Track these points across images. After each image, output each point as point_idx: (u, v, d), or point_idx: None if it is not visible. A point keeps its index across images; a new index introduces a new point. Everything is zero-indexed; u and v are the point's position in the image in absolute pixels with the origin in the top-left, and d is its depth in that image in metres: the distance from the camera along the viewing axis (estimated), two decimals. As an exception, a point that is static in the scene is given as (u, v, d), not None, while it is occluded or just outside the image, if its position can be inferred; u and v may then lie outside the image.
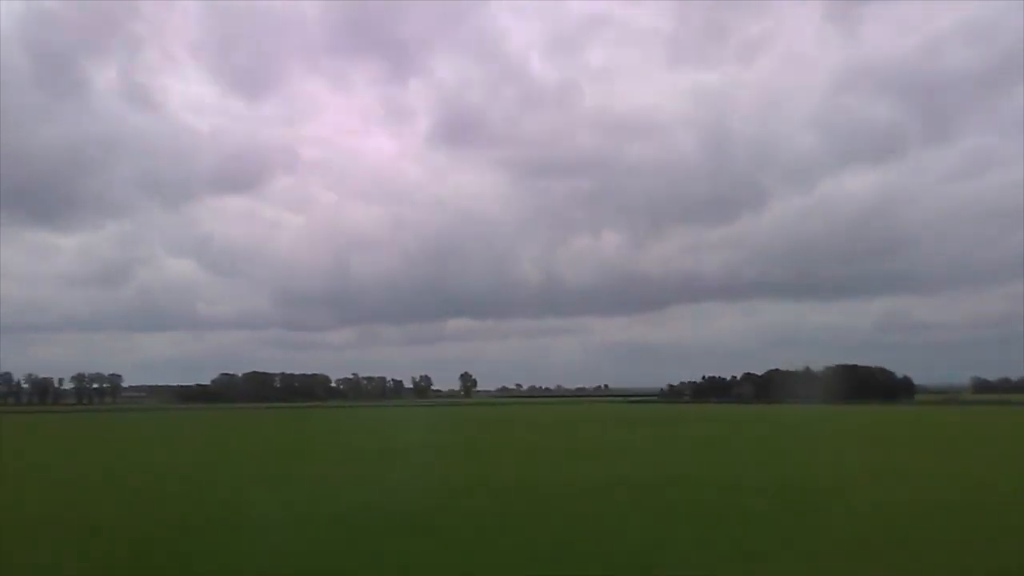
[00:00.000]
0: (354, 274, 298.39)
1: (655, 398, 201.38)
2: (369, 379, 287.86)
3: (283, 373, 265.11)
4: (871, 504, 21.00)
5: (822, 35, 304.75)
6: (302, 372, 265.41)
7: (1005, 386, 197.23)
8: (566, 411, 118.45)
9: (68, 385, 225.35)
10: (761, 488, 24.22)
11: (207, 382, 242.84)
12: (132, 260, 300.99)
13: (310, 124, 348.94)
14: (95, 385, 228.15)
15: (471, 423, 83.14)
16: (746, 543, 15.80)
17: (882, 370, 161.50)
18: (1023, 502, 21.93)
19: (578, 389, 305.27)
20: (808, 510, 20.39)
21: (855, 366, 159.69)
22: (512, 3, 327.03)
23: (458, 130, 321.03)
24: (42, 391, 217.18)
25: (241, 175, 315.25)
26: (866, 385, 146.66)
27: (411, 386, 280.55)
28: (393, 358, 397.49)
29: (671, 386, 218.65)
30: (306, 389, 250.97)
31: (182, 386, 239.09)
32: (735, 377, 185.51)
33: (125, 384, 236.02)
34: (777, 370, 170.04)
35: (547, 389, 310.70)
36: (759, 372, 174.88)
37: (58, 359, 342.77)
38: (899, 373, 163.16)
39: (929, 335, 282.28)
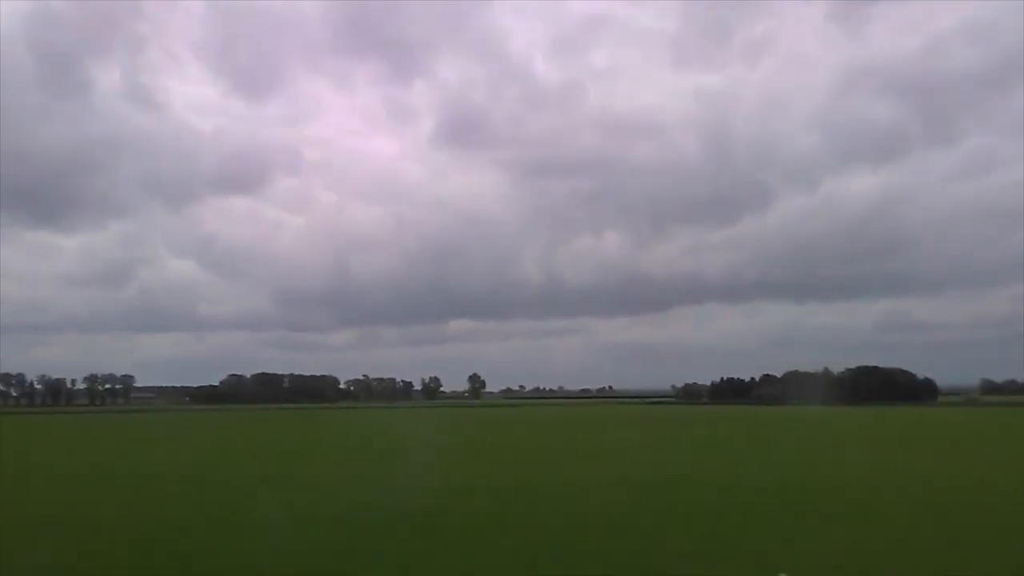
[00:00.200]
0: (356, 275, 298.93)
1: (671, 399, 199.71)
2: (379, 380, 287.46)
3: (292, 374, 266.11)
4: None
5: (825, 35, 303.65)
6: (311, 373, 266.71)
7: (1012, 388, 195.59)
8: (586, 413, 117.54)
9: (81, 386, 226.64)
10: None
11: (209, 383, 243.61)
12: (134, 260, 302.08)
13: (312, 124, 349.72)
14: (107, 386, 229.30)
15: (515, 425, 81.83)
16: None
17: (903, 371, 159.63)
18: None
19: (582, 390, 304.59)
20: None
21: (875, 367, 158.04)
22: (515, 3, 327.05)
23: (461, 131, 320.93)
24: (55, 392, 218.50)
25: (243, 176, 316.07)
26: (887, 386, 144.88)
27: (420, 387, 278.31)
28: (394, 359, 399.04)
29: (687, 387, 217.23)
30: (315, 390, 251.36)
31: (192, 387, 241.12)
32: (753, 378, 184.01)
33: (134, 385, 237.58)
34: (796, 371, 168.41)
35: (551, 390, 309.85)
36: (777, 373, 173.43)
37: (59, 360, 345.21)
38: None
39: (930, 336, 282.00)
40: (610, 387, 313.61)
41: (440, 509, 20.85)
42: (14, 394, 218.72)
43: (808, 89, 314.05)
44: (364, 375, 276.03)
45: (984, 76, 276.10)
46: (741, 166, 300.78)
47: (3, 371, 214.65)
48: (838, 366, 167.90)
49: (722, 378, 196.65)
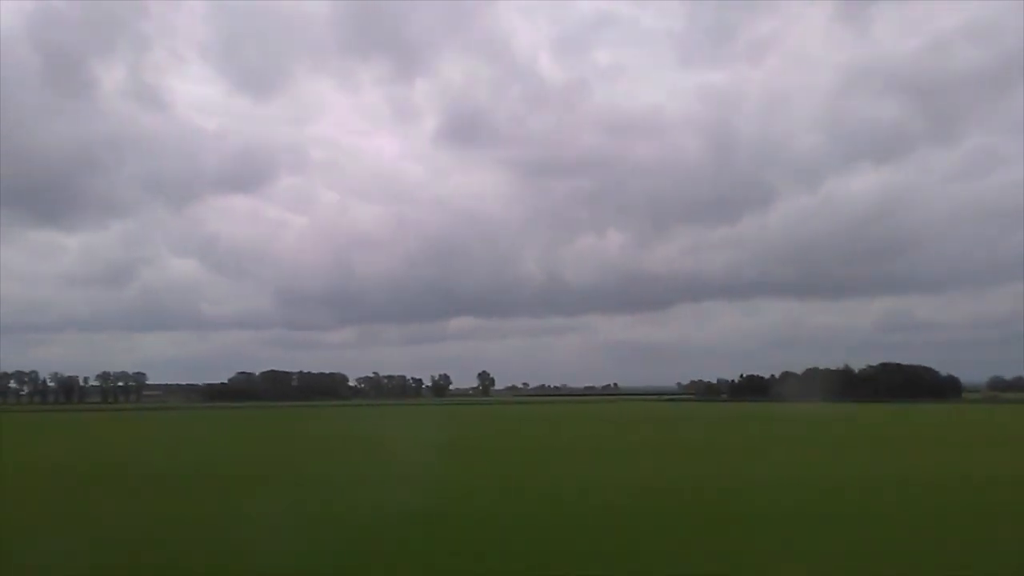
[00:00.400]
0: (358, 274, 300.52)
1: (691, 397, 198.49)
2: (389, 378, 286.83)
3: (301, 372, 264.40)
4: None
5: (830, 35, 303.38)
6: (320, 371, 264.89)
7: (1021, 384, 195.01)
8: (615, 410, 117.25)
9: (93, 383, 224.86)
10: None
11: (210, 381, 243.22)
12: (136, 260, 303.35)
13: (316, 124, 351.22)
14: (119, 384, 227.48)
15: (570, 421, 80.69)
16: None
17: (926, 368, 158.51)
18: None
19: (586, 387, 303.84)
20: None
21: (898, 364, 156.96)
22: (520, 3, 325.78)
23: (464, 130, 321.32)
24: (67, 390, 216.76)
25: (246, 175, 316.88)
26: (911, 384, 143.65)
27: (430, 385, 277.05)
28: (396, 357, 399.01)
29: (706, 384, 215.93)
30: (324, 388, 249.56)
31: (200, 385, 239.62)
32: (773, 375, 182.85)
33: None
34: (816, 368, 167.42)
35: (555, 387, 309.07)
36: (781, 372, 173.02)
37: (59, 359, 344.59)
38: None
39: (930, 334, 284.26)
40: (615, 384, 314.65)
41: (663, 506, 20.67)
42: (26, 391, 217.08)
43: (811, 88, 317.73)
44: (375, 372, 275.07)
45: (986, 76, 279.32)
46: (743, 165, 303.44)
47: (15, 369, 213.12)
48: (840, 365, 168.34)
49: (741, 375, 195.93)
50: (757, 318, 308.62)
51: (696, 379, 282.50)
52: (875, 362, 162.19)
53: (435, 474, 29.86)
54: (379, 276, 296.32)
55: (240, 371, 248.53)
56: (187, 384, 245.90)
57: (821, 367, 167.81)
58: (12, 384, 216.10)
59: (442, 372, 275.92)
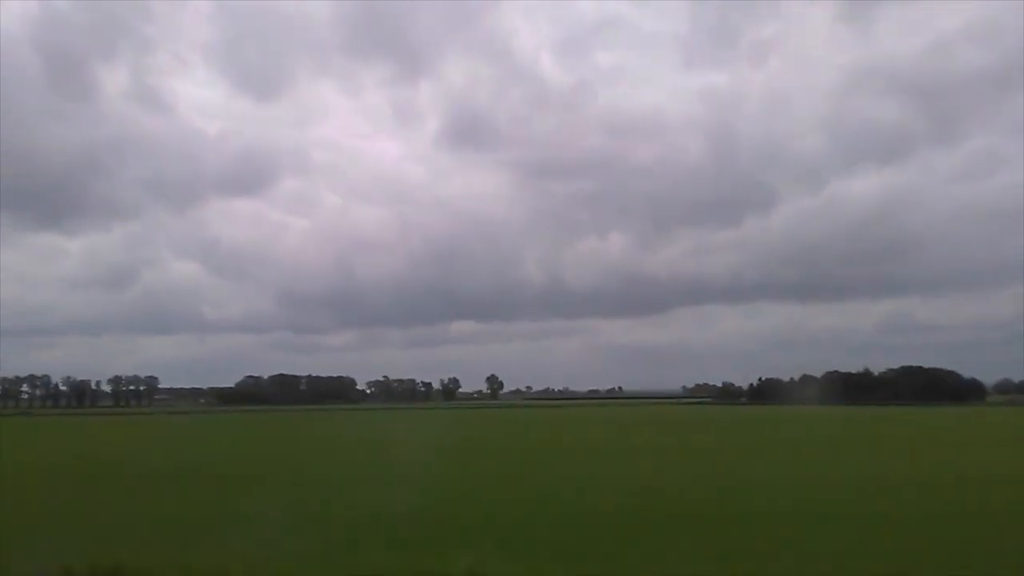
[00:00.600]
0: (359, 276, 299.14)
1: (710, 400, 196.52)
2: (399, 381, 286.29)
3: (309, 375, 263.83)
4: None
5: (833, 36, 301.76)
6: (328, 375, 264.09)
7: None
8: (639, 413, 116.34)
9: (105, 387, 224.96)
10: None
11: (216, 385, 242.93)
12: (138, 263, 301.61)
13: (318, 126, 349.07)
14: (131, 387, 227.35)
15: (612, 424, 79.90)
16: None
17: (949, 371, 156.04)
18: None
19: (590, 391, 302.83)
20: None
21: (920, 367, 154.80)
22: (523, 4, 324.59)
23: (466, 132, 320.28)
24: (80, 394, 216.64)
25: (248, 177, 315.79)
26: (934, 387, 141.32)
27: (439, 388, 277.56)
28: (399, 360, 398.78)
29: (727, 388, 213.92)
30: (333, 391, 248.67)
31: (207, 388, 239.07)
32: (793, 379, 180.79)
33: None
34: (836, 371, 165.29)
35: (558, 391, 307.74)
36: (787, 375, 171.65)
37: (60, 362, 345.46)
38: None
39: (931, 336, 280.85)
40: (619, 388, 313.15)
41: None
42: (38, 395, 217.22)
43: (813, 90, 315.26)
44: (384, 376, 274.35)
45: (988, 77, 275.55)
46: (745, 167, 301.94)
47: (14, 373, 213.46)
48: (859, 368, 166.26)
49: (760, 379, 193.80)
50: (759, 320, 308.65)
51: (701, 382, 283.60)
52: (879, 365, 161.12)
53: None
54: (381, 278, 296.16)
55: (246, 375, 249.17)
56: (192, 388, 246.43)
57: (841, 370, 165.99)
58: (24, 388, 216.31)
59: (451, 375, 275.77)
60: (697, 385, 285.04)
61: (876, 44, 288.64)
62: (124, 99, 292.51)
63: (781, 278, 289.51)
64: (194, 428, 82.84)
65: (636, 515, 19.65)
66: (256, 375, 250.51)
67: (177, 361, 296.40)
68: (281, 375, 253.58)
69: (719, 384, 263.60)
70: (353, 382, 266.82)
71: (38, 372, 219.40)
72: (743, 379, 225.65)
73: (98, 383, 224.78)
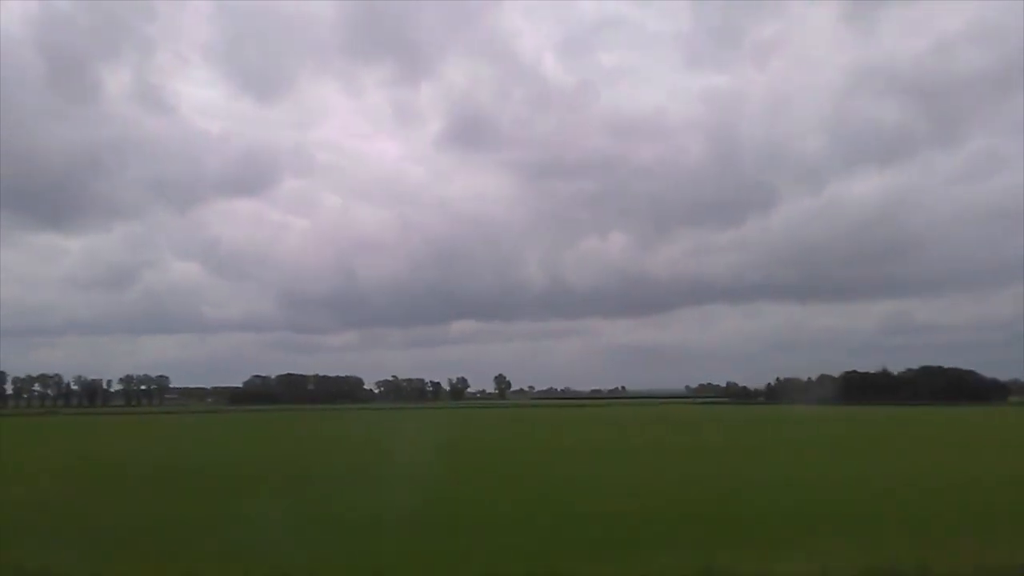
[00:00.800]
0: (360, 276, 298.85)
1: (726, 400, 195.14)
2: (408, 381, 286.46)
3: (317, 375, 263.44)
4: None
5: (835, 36, 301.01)
6: (336, 374, 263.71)
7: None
8: (660, 413, 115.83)
9: (116, 387, 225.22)
10: None
11: (219, 384, 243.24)
12: (139, 263, 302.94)
13: (320, 127, 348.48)
14: (142, 387, 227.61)
15: (652, 424, 78.56)
16: None
17: (971, 372, 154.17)
18: None
19: (592, 391, 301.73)
20: None
21: (940, 367, 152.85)
22: (525, 4, 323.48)
23: (467, 132, 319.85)
24: (91, 393, 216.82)
25: (249, 178, 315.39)
26: (954, 387, 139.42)
27: (448, 388, 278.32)
28: (399, 361, 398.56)
29: (731, 387, 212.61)
30: (340, 391, 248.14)
31: (210, 388, 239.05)
32: (810, 378, 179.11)
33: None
34: (854, 371, 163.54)
35: (562, 391, 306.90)
36: (820, 374, 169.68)
37: (60, 362, 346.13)
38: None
39: (933, 337, 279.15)
40: (622, 388, 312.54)
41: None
42: (50, 394, 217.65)
43: (815, 90, 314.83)
44: (393, 376, 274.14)
45: (990, 78, 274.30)
46: (746, 168, 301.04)
47: (39, 372, 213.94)
48: (852, 368, 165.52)
49: (777, 379, 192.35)
50: (759, 321, 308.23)
51: (704, 383, 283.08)
52: (880, 365, 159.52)
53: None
54: (382, 279, 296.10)
55: (252, 375, 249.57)
56: (201, 387, 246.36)
57: (859, 370, 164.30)
58: (36, 387, 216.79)
59: (455, 375, 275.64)
60: (701, 385, 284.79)
61: (878, 44, 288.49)
62: (125, 99, 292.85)
63: (782, 278, 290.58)
64: (218, 427, 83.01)
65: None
66: (261, 375, 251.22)
67: (178, 361, 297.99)
68: (289, 375, 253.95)
69: (723, 384, 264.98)
70: (360, 382, 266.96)
71: (38, 372, 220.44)
72: (746, 379, 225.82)
73: (109, 382, 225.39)
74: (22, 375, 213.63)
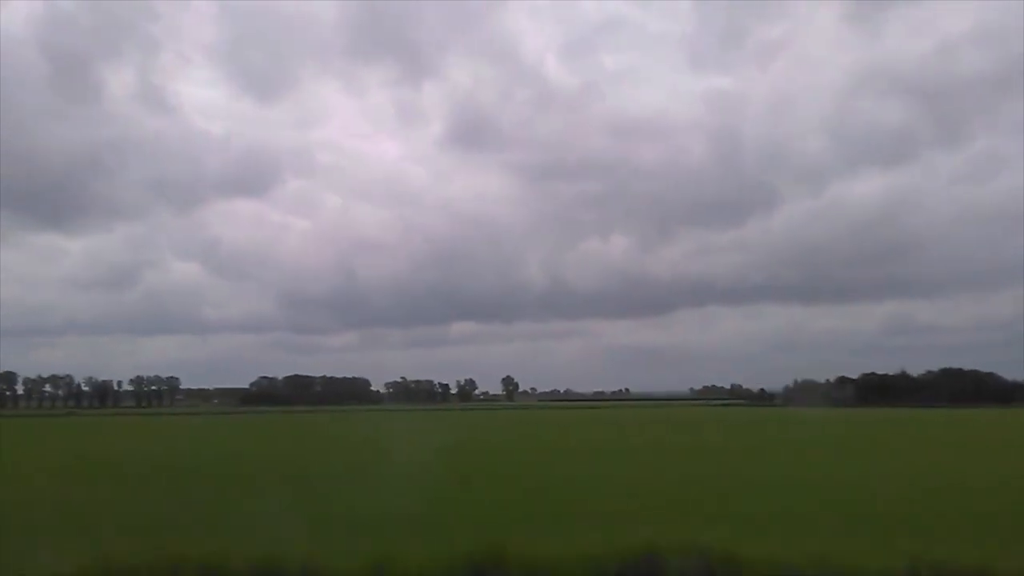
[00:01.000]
0: (361, 277, 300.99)
1: (743, 402, 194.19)
2: (416, 382, 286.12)
3: (324, 376, 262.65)
4: None
5: (838, 37, 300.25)
6: (343, 375, 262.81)
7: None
8: (686, 415, 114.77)
9: (127, 388, 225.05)
10: None
11: (222, 385, 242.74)
12: (139, 263, 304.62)
13: (321, 127, 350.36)
14: (153, 388, 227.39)
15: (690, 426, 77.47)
16: None
17: (991, 374, 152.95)
18: None
19: (595, 393, 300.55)
20: None
21: (960, 369, 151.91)
22: (528, 5, 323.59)
23: (470, 133, 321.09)
24: (102, 394, 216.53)
25: (251, 178, 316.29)
26: (975, 389, 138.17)
27: (455, 390, 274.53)
28: (399, 361, 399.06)
29: (762, 390, 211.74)
30: (348, 392, 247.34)
31: (213, 389, 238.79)
32: (828, 380, 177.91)
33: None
34: (873, 373, 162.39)
35: (564, 393, 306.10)
36: (852, 375, 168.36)
37: (61, 362, 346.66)
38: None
39: (935, 338, 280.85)
40: (626, 389, 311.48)
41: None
42: (61, 395, 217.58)
43: (817, 91, 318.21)
44: (402, 377, 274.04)
45: (992, 79, 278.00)
46: (748, 168, 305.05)
47: (51, 373, 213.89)
48: (852, 369, 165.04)
49: (795, 380, 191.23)
50: (761, 322, 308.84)
51: (708, 384, 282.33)
52: (881, 366, 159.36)
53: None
54: (382, 279, 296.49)
55: (259, 375, 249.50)
56: (211, 388, 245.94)
57: (879, 372, 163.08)
58: (47, 388, 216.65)
59: (457, 377, 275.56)
60: (705, 387, 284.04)
61: (881, 45, 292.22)
62: (127, 99, 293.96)
63: (784, 279, 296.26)
64: (243, 428, 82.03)
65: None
66: (268, 376, 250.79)
67: (178, 362, 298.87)
68: (296, 376, 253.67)
69: (727, 386, 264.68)
70: (367, 383, 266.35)
71: (49, 373, 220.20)
72: (747, 380, 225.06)
73: (119, 383, 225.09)
74: (33, 375, 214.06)
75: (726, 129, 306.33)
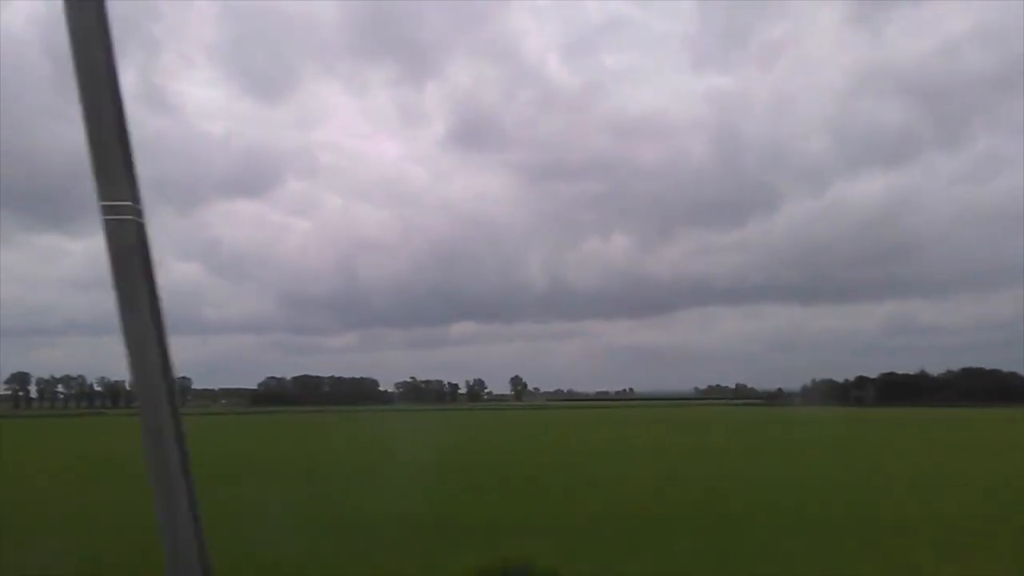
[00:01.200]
0: (362, 277, 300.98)
1: (759, 401, 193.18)
2: (426, 382, 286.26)
3: (332, 376, 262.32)
4: None
5: (841, 37, 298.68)
6: (351, 376, 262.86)
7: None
8: (710, 413, 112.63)
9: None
10: None
11: (224, 386, 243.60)
12: None
13: (322, 127, 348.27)
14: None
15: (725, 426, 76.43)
16: None
17: (1014, 374, 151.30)
18: None
19: (598, 393, 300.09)
20: None
21: (981, 369, 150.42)
22: (530, 5, 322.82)
23: (471, 133, 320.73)
24: (115, 394, 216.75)
25: (251, 179, 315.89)
26: (999, 388, 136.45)
27: (464, 390, 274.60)
28: (399, 360, 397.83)
29: (780, 389, 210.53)
30: (356, 393, 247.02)
31: (218, 389, 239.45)
32: (848, 380, 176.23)
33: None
34: (893, 373, 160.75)
35: (567, 392, 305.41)
36: (870, 375, 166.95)
37: (61, 363, 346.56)
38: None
39: (936, 338, 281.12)
40: (630, 389, 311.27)
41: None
42: (73, 395, 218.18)
43: (819, 91, 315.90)
44: (412, 377, 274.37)
45: (994, 79, 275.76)
46: (750, 169, 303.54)
47: (63, 373, 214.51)
48: (856, 369, 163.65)
49: (813, 380, 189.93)
50: (762, 322, 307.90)
51: (713, 384, 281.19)
52: (882, 367, 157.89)
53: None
54: (383, 280, 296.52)
55: (268, 376, 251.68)
56: (217, 389, 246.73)
57: (899, 372, 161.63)
58: (60, 388, 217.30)
59: (465, 377, 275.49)
60: (709, 387, 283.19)
61: (883, 45, 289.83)
62: (129, 99, 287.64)
63: (785, 279, 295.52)
64: (267, 428, 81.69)
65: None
66: (276, 376, 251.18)
67: (178, 362, 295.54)
68: (305, 376, 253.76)
69: (732, 386, 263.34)
70: (375, 383, 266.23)
71: (62, 373, 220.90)
72: (752, 381, 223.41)
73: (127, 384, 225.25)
74: (46, 376, 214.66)
75: (727, 129, 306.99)
